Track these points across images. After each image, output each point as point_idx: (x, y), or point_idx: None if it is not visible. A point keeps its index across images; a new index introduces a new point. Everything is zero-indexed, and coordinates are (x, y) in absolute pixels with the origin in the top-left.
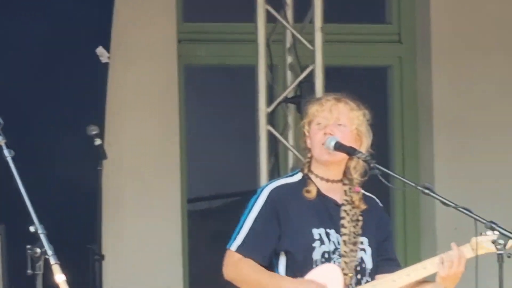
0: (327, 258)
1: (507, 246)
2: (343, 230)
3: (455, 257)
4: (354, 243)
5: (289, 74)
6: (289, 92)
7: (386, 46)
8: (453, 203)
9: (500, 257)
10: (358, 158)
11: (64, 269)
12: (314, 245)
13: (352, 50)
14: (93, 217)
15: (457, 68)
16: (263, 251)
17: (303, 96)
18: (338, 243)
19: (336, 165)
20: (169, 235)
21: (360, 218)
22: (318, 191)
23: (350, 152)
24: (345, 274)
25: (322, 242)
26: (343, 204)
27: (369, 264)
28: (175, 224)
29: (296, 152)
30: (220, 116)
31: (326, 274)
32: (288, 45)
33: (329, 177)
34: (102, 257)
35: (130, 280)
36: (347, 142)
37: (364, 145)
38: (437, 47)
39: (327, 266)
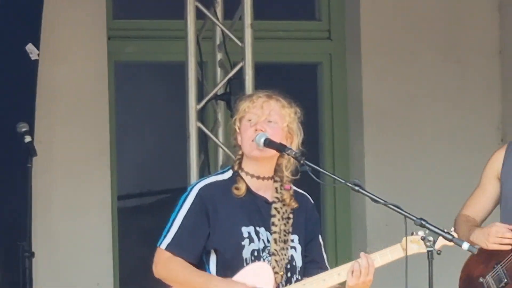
0: (256, 256)
1: (437, 243)
2: (273, 228)
3: (363, 266)
4: (285, 241)
5: (219, 71)
6: (219, 89)
7: (316, 43)
8: (382, 199)
9: (430, 254)
10: (288, 154)
11: None
12: (243, 243)
13: (282, 47)
14: (23, 214)
15: (386, 65)
16: (192, 249)
17: (233, 93)
18: (268, 241)
19: (266, 162)
20: (100, 232)
21: (291, 215)
22: (248, 188)
23: (280, 148)
24: (275, 273)
25: (251, 240)
26: (273, 202)
27: (299, 262)
28: (105, 221)
29: (226, 149)
30: (150, 113)
31: (257, 273)
32: (217, 42)
33: (259, 174)
34: (32, 254)
35: (60, 276)
36: (278, 139)
37: (294, 143)
38: (366, 44)
39: (258, 264)
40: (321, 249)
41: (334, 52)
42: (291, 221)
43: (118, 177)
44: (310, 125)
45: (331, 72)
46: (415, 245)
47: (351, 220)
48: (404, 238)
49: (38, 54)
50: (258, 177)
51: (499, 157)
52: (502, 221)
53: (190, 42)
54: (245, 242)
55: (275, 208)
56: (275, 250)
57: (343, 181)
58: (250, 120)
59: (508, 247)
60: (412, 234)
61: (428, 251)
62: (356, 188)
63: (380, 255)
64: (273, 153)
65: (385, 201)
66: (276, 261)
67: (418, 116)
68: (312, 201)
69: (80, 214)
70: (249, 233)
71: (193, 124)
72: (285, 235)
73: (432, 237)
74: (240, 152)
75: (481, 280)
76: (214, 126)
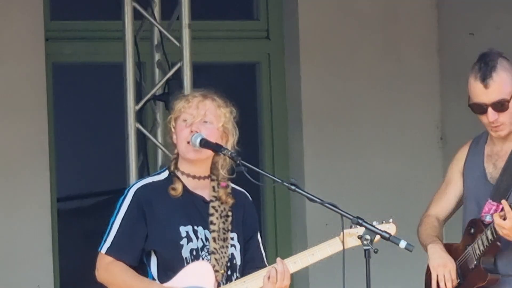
0: (195, 255)
1: (374, 242)
2: (212, 227)
3: (279, 273)
4: (224, 239)
5: (157, 71)
6: (157, 89)
7: (254, 43)
8: (319, 198)
9: (367, 252)
10: (224, 155)
11: None
12: (181, 242)
13: (220, 47)
14: None
15: (325, 64)
16: (132, 252)
17: (171, 93)
18: (207, 240)
19: (202, 162)
20: (39, 233)
21: (230, 213)
22: (185, 188)
23: (216, 149)
24: (216, 271)
25: (189, 240)
26: (211, 201)
27: (239, 260)
28: (45, 222)
29: (165, 150)
30: (89, 114)
31: (197, 272)
32: (155, 42)
33: (195, 174)
34: None
35: (0, 279)
36: (213, 139)
37: (230, 142)
38: (305, 43)
39: (198, 263)
40: (260, 247)
41: (272, 51)
42: (230, 219)
43: (57, 178)
44: (249, 125)
45: (270, 72)
46: (353, 238)
47: (291, 219)
48: (345, 233)
49: None
50: (194, 177)
51: (463, 153)
52: (464, 221)
53: (128, 43)
54: (184, 241)
55: (213, 207)
56: (215, 248)
57: (279, 181)
58: (185, 121)
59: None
60: (350, 227)
61: (365, 250)
62: (293, 187)
63: (319, 249)
64: (209, 154)
65: (321, 200)
66: (216, 259)
67: (358, 115)
68: (251, 199)
69: (19, 216)
70: (187, 232)
71: (132, 125)
72: (224, 233)
73: (370, 235)
74: (176, 152)
75: None
76: (153, 126)
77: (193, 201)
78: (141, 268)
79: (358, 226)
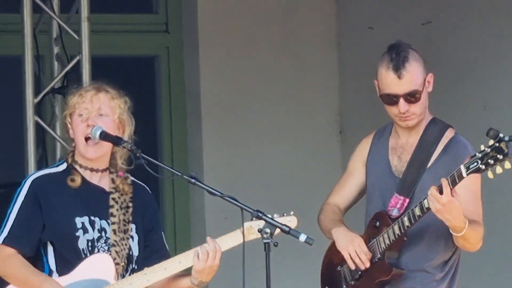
0: (91, 246)
1: (274, 235)
2: (112, 219)
3: (211, 250)
4: (125, 231)
5: (56, 64)
6: (56, 82)
7: (153, 36)
8: (219, 192)
9: (266, 246)
10: (124, 147)
11: None
12: (77, 234)
13: (119, 40)
14: None
15: (224, 58)
16: (28, 242)
17: (70, 86)
18: (105, 231)
19: (101, 158)
20: None
21: (130, 204)
22: (84, 179)
23: (116, 141)
24: (117, 264)
25: (85, 231)
26: (111, 192)
27: (135, 251)
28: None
29: (64, 143)
30: None
31: (98, 264)
32: (54, 35)
33: (93, 167)
34: None
35: None
36: (111, 131)
37: (126, 133)
38: (204, 37)
39: (99, 256)
40: (163, 239)
41: (171, 45)
42: (130, 209)
43: None
44: (148, 119)
45: (169, 65)
46: (254, 231)
47: (190, 213)
48: (245, 226)
49: None
50: (92, 169)
51: (366, 145)
52: (367, 213)
53: (27, 36)
54: (79, 232)
55: (113, 198)
56: (115, 241)
57: (179, 174)
58: (81, 115)
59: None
60: (251, 219)
61: (265, 243)
62: (193, 180)
63: (220, 241)
64: (108, 149)
65: (221, 193)
66: (116, 252)
67: (257, 109)
68: (150, 192)
69: None
70: (82, 223)
71: (31, 118)
72: (124, 225)
73: (269, 229)
74: (73, 145)
75: (338, 268)
76: (52, 120)
77: (92, 192)
78: (38, 259)
79: (258, 219)
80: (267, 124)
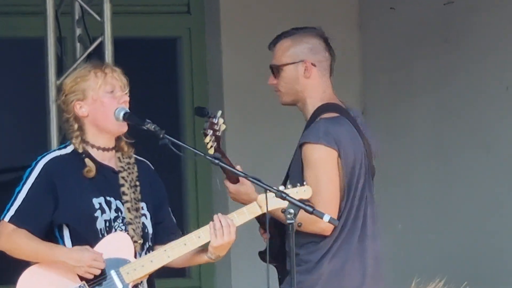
0: (109, 226)
1: (298, 216)
2: (124, 198)
3: (224, 226)
4: (137, 209)
5: (78, 46)
6: (78, 64)
7: (175, 17)
8: (243, 172)
9: (290, 226)
10: (147, 128)
11: None
12: (96, 214)
13: (141, 22)
14: None
15: (246, 39)
16: (36, 223)
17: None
18: (120, 211)
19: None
20: None
21: (138, 183)
22: (95, 161)
23: (140, 122)
24: (135, 242)
25: (103, 211)
26: (119, 171)
27: (150, 229)
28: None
29: None
30: (10, 89)
31: (116, 243)
32: (76, 17)
33: (105, 146)
34: None
35: None
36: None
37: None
38: (226, 18)
39: (116, 234)
40: (171, 215)
41: (193, 26)
42: (139, 188)
43: None
44: (170, 100)
45: (191, 47)
46: (272, 201)
47: (212, 194)
48: (260, 196)
49: None
50: (103, 149)
51: None
52: None
53: (49, 18)
54: (98, 213)
55: (122, 177)
56: (130, 219)
57: (202, 154)
58: (111, 92)
59: None
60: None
61: (288, 224)
62: (216, 161)
63: (237, 214)
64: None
65: (245, 174)
66: (133, 229)
67: None
68: (153, 168)
69: None
70: (100, 204)
71: (53, 100)
72: (136, 203)
73: (293, 209)
74: (76, 126)
75: None
76: None
77: (102, 173)
78: (53, 241)
79: (278, 188)
80: (289, 106)
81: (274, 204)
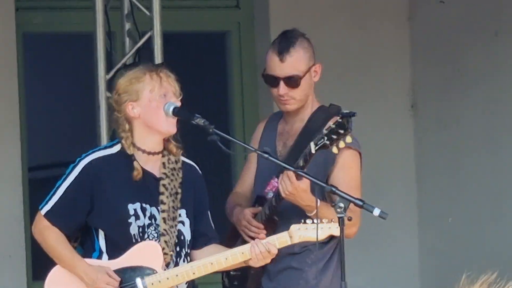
0: (142, 231)
1: (347, 210)
2: (162, 207)
3: (264, 252)
4: (174, 219)
5: (127, 41)
6: (127, 59)
7: (224, 12)
8: (292, 166)
9: (341, 220)
10: (197, 123)
11: None
12: (130, 220)
13: (190, 16)
14: None
15: None
16: (68, 222)
17: (142, 62)
18: (155, 218)
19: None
20: (10, 203)
21: (179, 190)
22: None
23: (189, 117)
24: (165, 254)
25: (137, 217)
26: (161, 178)
27: (188, 236)
28: (16, 192)
29: None
30: (59, 84)
31: (146, 252)
32: (125, 11)
33: (151, 150)
34: None
35: None
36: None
37: None
38: (275, 12)
39: (148, 243)
40: (210, 221)
41: (242, 20)
42: (179, 196)
43: (28, 148)
44: (219, 95)
45: (240, 41)
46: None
47: None
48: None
49: None
50: (149, 153)
51: (259, 130)
52: (252, 199)
53: (98, 12)
54: (132, 219)
55: (163, 185)
56: (164, 230)
57: (252, 149)
58: (165, 96)
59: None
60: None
61: (339, 218)
62: (266, 155)
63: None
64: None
65: (295, 168)
66: (165, 241)
67: (327, 84)
68: (200, 172)
69: None
70: (135, 210)
71: (103, 94)
72: (173, 212)
73: (343, 203)
74: (127, 126)
75: None
76: None
77: (143, 178)
78: (88, 237)
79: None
80: (338, 98)
81: (305, 235)
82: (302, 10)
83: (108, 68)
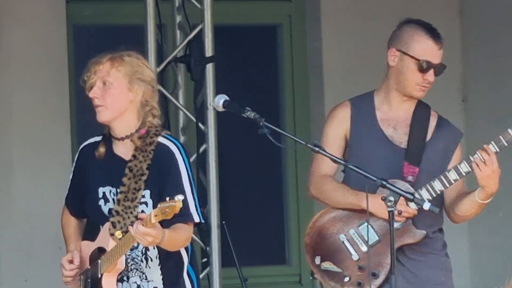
0: (110, 214)
1: (398, 204)
2: (121, 188)
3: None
4: (132, 200)
5: (178, 33)
6: (178, 51)
7: (275, 5)
8: (343, 160)
9: (391, 214)
10: (247, 116)
11: None
12: (99, 203)
13: (241, 9)
14: None
15: (346, 27)
16: (73, 206)
17: (192, 55)
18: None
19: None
20: (60, 195)
21: (146, 171)
22: (108, 149)
23: (240, 110)
24: (111, 234)
25: (106, 200)
26: (130, 160)
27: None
28: (66, 184)
29: (187, 112)
30: None
31: (104, 233)
32: (177, 4)
33: (117, 135)
34: None
35: (21, 241)
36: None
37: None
38: (326, 5)
39: (105, 225)
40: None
41: (294, 13)
42: (144, 176)
43: (78, 140)
44: (270, 88)
45: (291, 34)
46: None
47: None
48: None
49: None
50: (118, 138)
51: (344, 115)
52: (357, 181)
53: (149, 5)
54: (101, 202)
55: (129, 167)
56: (116, 211)
57: (303, 142)
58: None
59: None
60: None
61: (389, 211)
62: (316, 149)
63: None
64: (118, 113)
65: (345, 161)
66: (112, 222)
67: (379, 77)
68: (177, 151)
69: (40, 178)
70: (103, 193)
71: None
72: (133, 193)
73: (393, 197)
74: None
75: (342, 237)
76: (174, 88)
77: (115, 162)
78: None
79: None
80: None
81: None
82: (353, 3)
83: (159, 61)
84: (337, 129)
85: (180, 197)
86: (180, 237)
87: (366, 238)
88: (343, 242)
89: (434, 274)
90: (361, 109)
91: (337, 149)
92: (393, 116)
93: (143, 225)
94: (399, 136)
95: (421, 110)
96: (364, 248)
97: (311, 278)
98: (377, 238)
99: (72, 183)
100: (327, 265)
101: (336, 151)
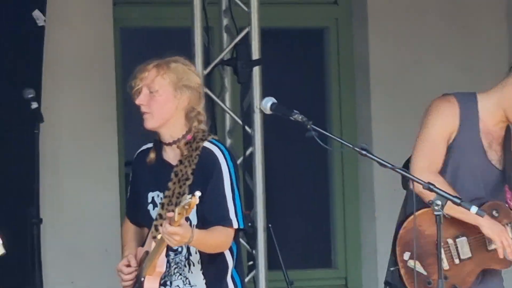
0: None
1: (445, 207)
2: (166, 192)
3: None
4: (176, 204)
5: (225, 36)
6: (225, 54)
7: (322, 8)
8: (390, 163)
9: (438, 218)
10: (295, 119)
11: (1, 232)
12: (148, 208)
13: (288, 12)
14: (31, 181)
15: (393, 30)
16: (131, 213)
17: (239, 58)
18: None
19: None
20: (107, 198)
21: (191, 176)
22: (158, 155)
23: (287, 113)
24: (153, 237)
25: (155, 205)
26: (176, 165)
27: (194, 220)
28: (113, 186)
29: (233, 115)
30: None
31: (150, 238)
32: (224, 7)
33: (165, 141)
34: (40, 221)
35: (68, 243)
36: None
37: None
38: (373, 9)
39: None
40: (214, 205)
41: (340, 16)
42: (188, 182)
43: (125, 142)
44: (317, 91)
45: (338, 37)
46: None
47: (358, 185)
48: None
49: (45, 20)
50: (167, 144)
51: (452, 117)
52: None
53: (196, 7)
54: (150, 207)
55: (174, 172)
56: (159, 214)
57: (350, 146)
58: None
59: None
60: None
61: (436, 215)
62: (364, 152)
63: None
64: (168, 116)
65: (392, 165)
66: (155, 225)
67: (425, 81)
68: (221, 156)
69: (87, 181)
70: (152, 198)
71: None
72: (177, 198)
73: (440, 201)
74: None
75: (449, 241)
76: (221, 91)
77: (163, 167)
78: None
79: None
80: (435, 96)
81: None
82: (400, 7)
83: (206, 64)
84: (441, 129)
85: (197, 193)
86: (214, 239)
87: (460, 251)
88: (438, 247)
89: None
90: (467, 110)
91: (442, 147)
92: (491, 130)
93: (170, 224)
94: (492, 153)
95: (509, 131)
96: (456, 261)
97: (391, 269)
98: (470, 255)
99: (129, 191)
100: (415, 264)
101: (442, 149)
